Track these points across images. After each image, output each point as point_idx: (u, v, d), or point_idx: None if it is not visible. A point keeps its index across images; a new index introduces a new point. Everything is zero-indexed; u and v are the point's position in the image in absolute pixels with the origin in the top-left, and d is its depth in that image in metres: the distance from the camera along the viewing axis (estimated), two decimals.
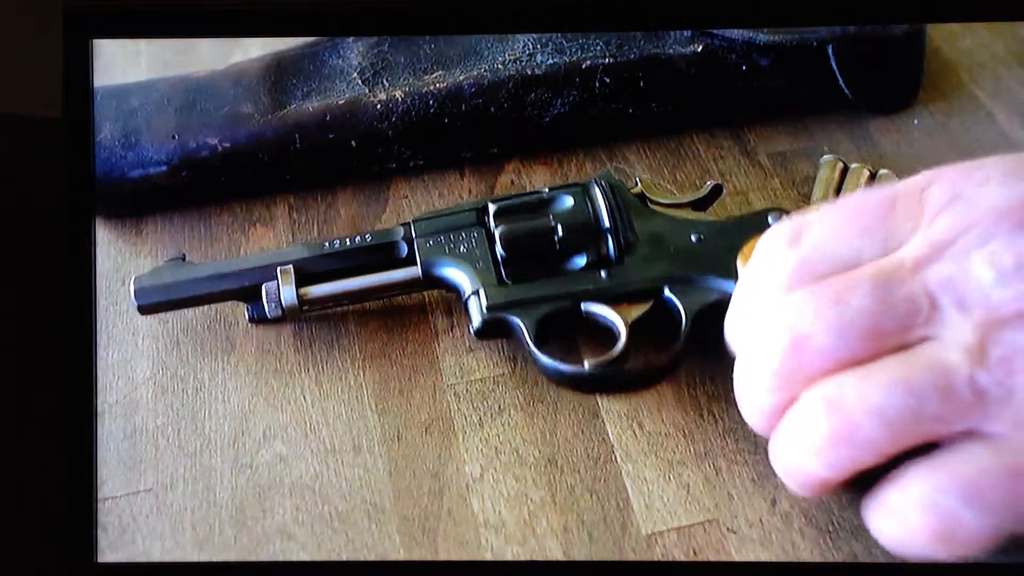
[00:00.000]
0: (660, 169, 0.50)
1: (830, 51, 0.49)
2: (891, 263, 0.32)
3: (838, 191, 0.48)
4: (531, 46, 0.49)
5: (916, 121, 0.51)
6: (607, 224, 0.40)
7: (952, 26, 0.55)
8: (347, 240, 0.42)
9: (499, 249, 0.40)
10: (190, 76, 0.48)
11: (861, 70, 0.49)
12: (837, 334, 0.31)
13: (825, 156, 0.49)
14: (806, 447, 0.31)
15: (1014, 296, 0.30)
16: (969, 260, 0.31)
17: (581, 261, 0.40)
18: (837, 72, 0.49)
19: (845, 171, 0.49)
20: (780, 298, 0.33)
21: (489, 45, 0.49)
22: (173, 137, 0.46)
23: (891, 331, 0.31)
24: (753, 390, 0.33)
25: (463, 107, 0.48)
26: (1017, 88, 0.52)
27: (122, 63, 0.51)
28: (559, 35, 0.49)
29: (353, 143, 0.47)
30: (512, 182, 0.49)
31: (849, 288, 0.32)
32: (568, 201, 0.42)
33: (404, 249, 0.41)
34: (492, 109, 0.48)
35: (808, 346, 0.31)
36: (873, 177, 0.48)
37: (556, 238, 0.40)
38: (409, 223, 0.42)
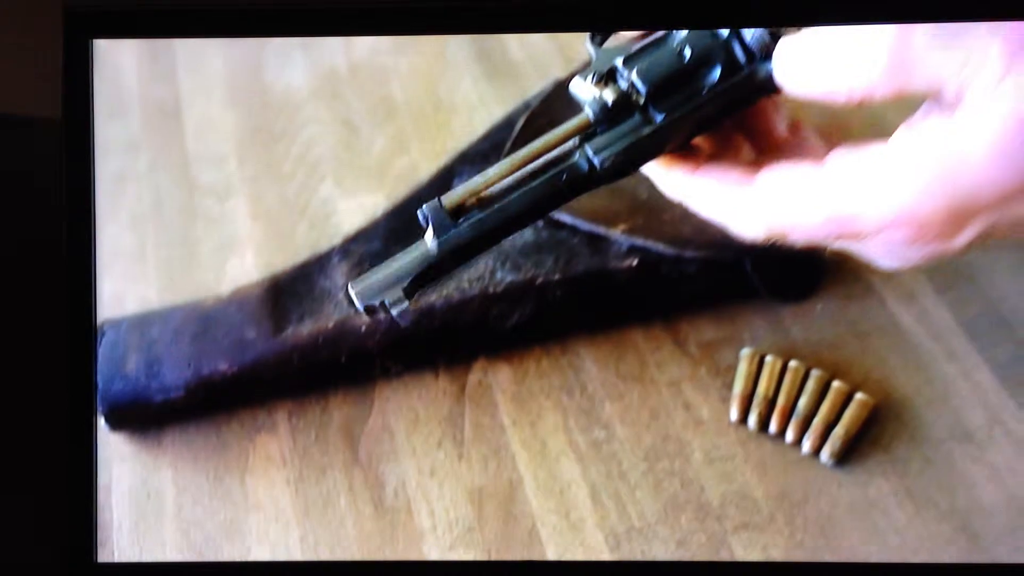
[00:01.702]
0: (606, 361, 0.58)
1: (747, 262, 0.58)
2: None
3: (755, 383, 0.57)
4: (492, 264, 0.57)
5: (820, 307, 0.60)
6: (724, 33, 0.40)
7: None
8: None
9: (640, 87, 0.39)
10: (201, 304, 0.56)
11: (772, 274, 0.58)
12: None
13: (744, 350, 0.58)
14: None
15: None
16: None
17: (716, 73, 0.40)
18: (753, 277, 0.58)
19: (762, 362, 0.58)
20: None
21: None
22: (189, 365, 0.54)
23: None
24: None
25: (436, 323, 0.56)
26: (902, 274, 0.62)
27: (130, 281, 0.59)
28: (516, 253, 0.58)
29: (343, 359, 0.55)
30: (480, 381, 0.58)
31: None
32: (682, 31, 0.41)
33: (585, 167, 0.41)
34: (460, 322, 0.56)
35: None
36: (785, 368, 0.57)
37: (684, 58, 0.39)
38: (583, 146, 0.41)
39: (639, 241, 0.57)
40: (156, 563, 0.41)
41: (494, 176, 0.40)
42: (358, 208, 0.64)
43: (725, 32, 0.39)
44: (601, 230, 0.58)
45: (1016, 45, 0.31)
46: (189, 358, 0.54)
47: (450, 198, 0.40)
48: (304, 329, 0.55)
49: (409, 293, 0.40)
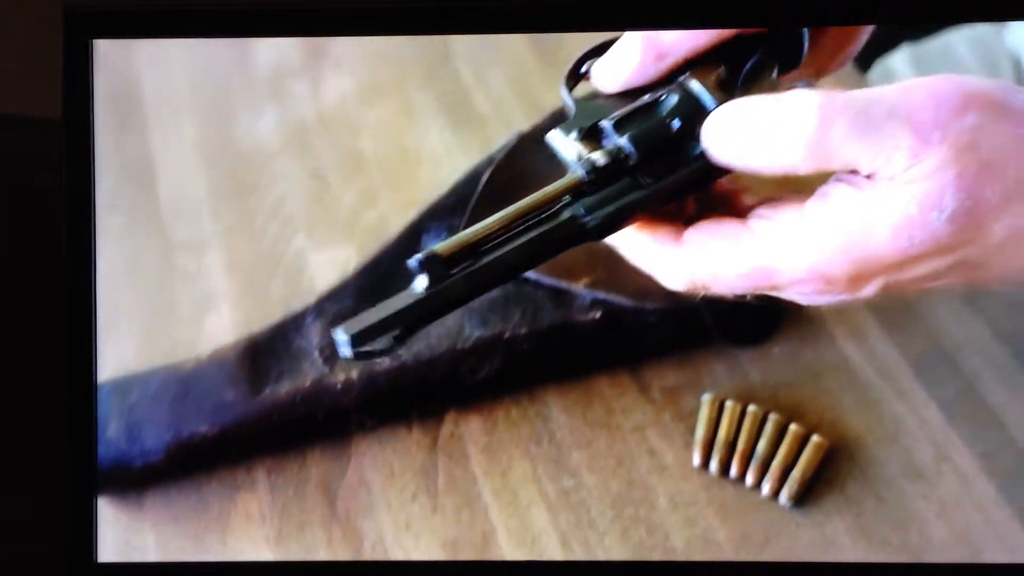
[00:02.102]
0: (573, 409, 0.61)
1: (705, 311, 0.60)
2: None
3: (715, 428, 0.59)
4: (460, 320, 0.59)
5: (777, 349, 0.63)
6: (712, 106, 0.42)
7: None
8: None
9: (632, 152, 0.41)
10: (180, 367, 0.58)
11: (730, 321, 0.61)
12: None
13: (705, 395, 0.60)
14: None
15: None
16: None
17: (700, 145, 0.42)
18: (711, 324, 0.61)
19: (722, 407, 0.60)
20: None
21: None
22: (169, 428, 0.55)
23: None
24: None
25: (408, 379, 0.58)
26: (852, 312, 0.64)
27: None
28: (484, 308, 0.60)
29: (319, 416, 0.57)
30: (451, 433, 0.60)
31: None
32: (673, 99, 0.43)
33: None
34: (431, 377, 0.58)
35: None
36: (744, 412, 0.60)
37: (672, 128, 0.42)
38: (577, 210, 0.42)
39: (601, 294, 0.60)
40: (155, 563, 0.42)
41: (488, 228, 0.41)
42: (330, 261, 0.66)
43: (712, 105, 0.42)
44: (563, 285, 0.60)
45: (921, 141, 0.36)
46: (169, 422, 0.56)
47: (445, 247, 0.41)
48: (282, 388, 0.57)
49: (400, 340, 0.41)
